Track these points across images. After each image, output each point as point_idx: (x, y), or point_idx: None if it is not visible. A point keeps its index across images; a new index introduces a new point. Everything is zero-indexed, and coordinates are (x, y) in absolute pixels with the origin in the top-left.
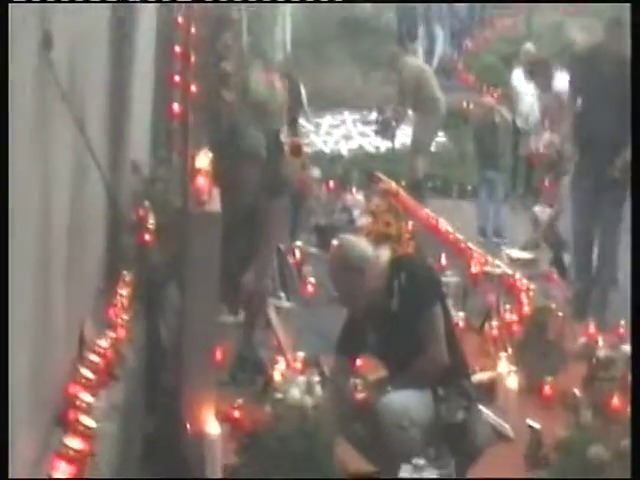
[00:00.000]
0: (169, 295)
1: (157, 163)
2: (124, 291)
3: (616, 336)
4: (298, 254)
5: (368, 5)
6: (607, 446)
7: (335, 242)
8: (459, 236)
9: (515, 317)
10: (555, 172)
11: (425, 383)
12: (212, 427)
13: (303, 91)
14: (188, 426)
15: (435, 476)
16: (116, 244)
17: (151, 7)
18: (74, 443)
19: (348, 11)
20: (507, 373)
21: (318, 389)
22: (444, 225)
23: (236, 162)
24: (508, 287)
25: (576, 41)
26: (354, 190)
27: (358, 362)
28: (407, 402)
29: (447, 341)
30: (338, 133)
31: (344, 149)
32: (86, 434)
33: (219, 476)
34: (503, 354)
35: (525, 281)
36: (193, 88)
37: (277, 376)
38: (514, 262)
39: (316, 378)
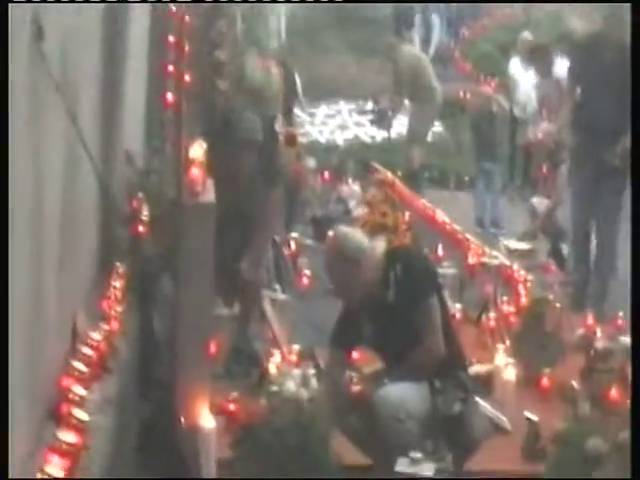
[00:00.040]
0: (163, 287)
1: (151, 153)
2: (117, 283)
3: (614, 327)
4: (293, 246)
5: None
6: (605, 438)
7: (330, 233)
8: (456, 227)
9: (512, 308)
10: (553, 162)
11: (422, 375)
12: (207, 420)
13: (298, 80)
14: (182, 419)
15: (432, 469)
16: (109, 236)
17: None
18: (67, 437)
19: None
20: (504, 365)
21: (314, 382)
22: (441, 216)
23: (232, 150)
24: (505, 278)
25: (575, 29)
26: (350, 181)
27: (354, 354)
28: (403, 394)
29: (444, 333)
30: (334, 123)
31: (340, 139)
32: (79, 427)
33: (214, 469)
34: (500, 346)
35: (523, 272)
36: (187, 77)
37: (272, 369)
38: (512, 253)
39: (311, 371)
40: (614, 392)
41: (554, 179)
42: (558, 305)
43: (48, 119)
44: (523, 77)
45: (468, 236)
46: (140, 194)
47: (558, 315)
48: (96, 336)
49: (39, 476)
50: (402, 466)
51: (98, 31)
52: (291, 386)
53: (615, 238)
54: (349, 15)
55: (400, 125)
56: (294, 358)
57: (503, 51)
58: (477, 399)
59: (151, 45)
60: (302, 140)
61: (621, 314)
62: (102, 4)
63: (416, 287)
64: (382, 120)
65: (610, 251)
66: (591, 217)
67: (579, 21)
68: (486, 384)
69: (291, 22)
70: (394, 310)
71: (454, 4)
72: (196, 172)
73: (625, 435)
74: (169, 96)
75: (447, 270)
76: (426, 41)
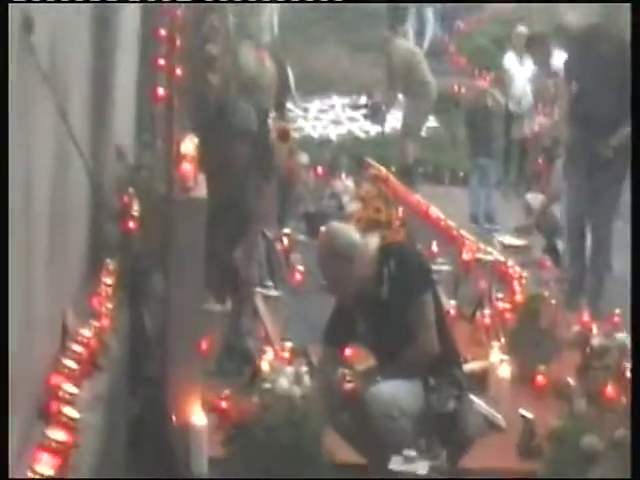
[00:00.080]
0: (154, 283)
1: (141, 148)
2: (108, 279)
3: (610, 324)
4: (286, 242)
5: None
6: (601, 436)
7: (323, 229)
8: (451, 223)
9: (507, 305)
10: (548, 156)
11: (415, 372)
12: (198, 418)
13: (291, 74)
14: (174, 417)
15: (426, 467)
16: (99, 232)
17: None
18: (57, 435)
19: None
20: (499, 362)
21: (306, 379)
22: (435, 212)
23: (225, 142)
24: (500, 274)
25: (571, 22)
26: (343, 176)
27: (347, 351)
28: (397, 392)
29: (438, 329)
30: (327, 118)
31: (333, 134)
32: (69, 425)
33: (205, 468)
34: (495, 343)
35: (518, 268)
36: (178, 71)
37: (265, 366)
38: (506, 249)
39: (304, 368)
40: (610, 389)
41: (549, 174)
42: (553, 302)
43: (37, 114)
44: (518, 71)
45: (462, 232)
46: (131, 189)
47: (553, 312)
48: (86, 333)
49: (29, 474)
50: (396, 464)
51: (88, 25)
52: (284, 383)
53: (611, 234)
54: (342, 9)
55: (394, 120)
56: (287, 355)
57: (498, 45)
58: (471, 396)
59: (142, 39)
60: (295, 135)
61: (617, 311)
62: None
63: (410, 283)
64: (376, 115)
65: (606, 247)
66: (586, 213)
67: (575, 14)
68: (481, 381)
69: (284, 16)
70: (387, 307)
71: None
72: (187, 167)
73: (621, 433)
74: (160, 90)
75: (441, 266)
76: (420, 35)
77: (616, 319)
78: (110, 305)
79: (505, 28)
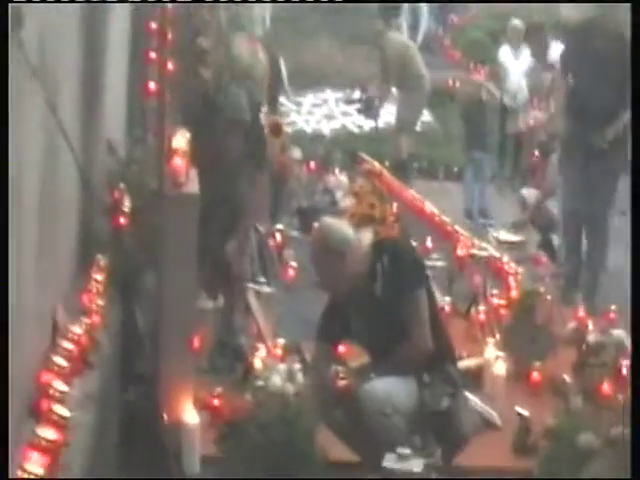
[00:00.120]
0: (145, 280)
1: (133, 143)
2: (99, 276)
3: (606, 320)
4: (279, 237)
5: None
6: (597, 433)
7: (316, 225)
8: (445, 218)
9: (503, 301)
10: (544, 151)
11: (409, 369)
12: (190, 416)
13: (283, 68)
14: (165, 415)
15: (421, 465)
16: (90, 227)
17: None
18: (47, 433)
19: None
20: (494, 359)
21: (299, 376)
22: (430, 207)
23: (218, 134)
24: (495, 270)
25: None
26: (337, 171)
27: (340, 348)
28: (390, 389)
29: (432, 326)
30: (320, 112)
31: (326, 129)
32: (60, 424)
33: (197, 466)
34: (490, 339)
35: (513, 264)
36: (170, 65)
37: (257, 363)
38: (501, 245)
39: (297, 365)
40: (606, 386)
41: (544, 169)
42: (549, 298)
43: (26, 107)
44: (513, 65)
45: (457, 228)
46: (121, 185)
47: (549, 308)
48: (77, 330)
49: (19, 473)
50: (390, 462)
51: (78, 18)
52: (277, 381)
53: (607, 229)
54: (335, 1)
55: (388, 114)
56: (279, 352)
57: (493, 38)
58: (466, 393)
59: (133, 32)
60: (288, 130)
61: (613, 307)
62: None
63: (403, 279)
64: (369, 109)
65: (602, 242)
66: (582, 207)
67: (570, 8)
68: (476, 378)
69: (276, 9)
70: (381, 303)
71: None
72: (179, 162)
73: (618, 430)
74: (151, 85)
75: (436, 262)
76: (414, 28)
77: (612, 315)
78: (101, 301)
79: (500, 21)
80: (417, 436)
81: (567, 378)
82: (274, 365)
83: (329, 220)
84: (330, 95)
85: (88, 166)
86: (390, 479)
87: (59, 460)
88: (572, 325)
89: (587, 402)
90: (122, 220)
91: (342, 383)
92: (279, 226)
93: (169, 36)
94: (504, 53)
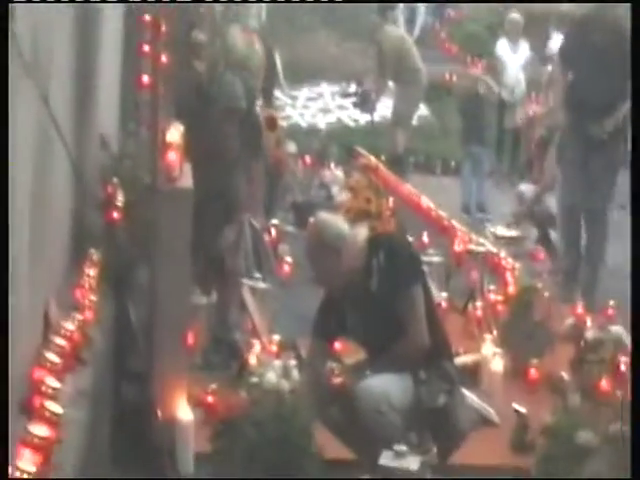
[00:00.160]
0: (138, 275)
1: (126, 137)
2: (91, 271)
3: (605, 317)
4: (274, 233)
5: None
6: (595, 431)
7: (311, 220)
8: (442, 213)
9: (500, 297)
10: (542, 145)
11: (405, 366)
12: (184, 413)
13: (279, 61)
14: (159, 412)
15: (417, 462)
16: (83, 222)
17: None
18: (40, 430)
19: None
20: (492, 355)
21: (295, 373)
22: (426, 202)
23: (213, 124)
24: (493, 266)
25: (567, 9)
26: (332, 165)
27: (336, 345)
28: (386, 386)
29: (428, 322)
30: (316, 106)
31: (322, 123)
32: (52, 421)
33: (191, 464)
34: (488, 336)
35: (510, 260)
36: (163, 58)
37: (252, 360)
38: (499, 240)
39: (293, 362)
40: (604, 383)
41: (543, 163)
42: (547, 294)
43: (18, 102)
44: (511, 58)
45: (454, 223)
46: (115, 179)
47: (547, 304)
48: (69, 326)
49: (11, 471)
50: (386, 459)
51: (71, 13)
52: (272, 377)
53: (606, 223)
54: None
55: (384, 108)
56: (275, 348)
57: (490, 31)
58: (463, 390)
59: (126, 25)
60: (283, 124)
61: (611, 303)
62: None
63: (399, 275)
64: (365, 103)
65: (601, 237)
66: (581, 201)
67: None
68: (473, 375)
69: (272, 2)
70: (377, 299)
71: None
72: (173, 156)
73: (616, 427)
74: (145, 78)
75: (432, 258)
76: (410, 22)
77: (610, 311)
78: (94, 297)
79: (497, 15)
80: (413, 433)
81: (565, 375)
82: (269, 361)
83: (324, 215)
84: (326, 89)
85: (81, 161)
86: (386, 479)
87: (51, 457)
88: (570, 321)
89: (585, 399)
90: (115, 215)
91: (338, 380)
92: (274, 221)
93: (163, 29)
94: (501, 47)
